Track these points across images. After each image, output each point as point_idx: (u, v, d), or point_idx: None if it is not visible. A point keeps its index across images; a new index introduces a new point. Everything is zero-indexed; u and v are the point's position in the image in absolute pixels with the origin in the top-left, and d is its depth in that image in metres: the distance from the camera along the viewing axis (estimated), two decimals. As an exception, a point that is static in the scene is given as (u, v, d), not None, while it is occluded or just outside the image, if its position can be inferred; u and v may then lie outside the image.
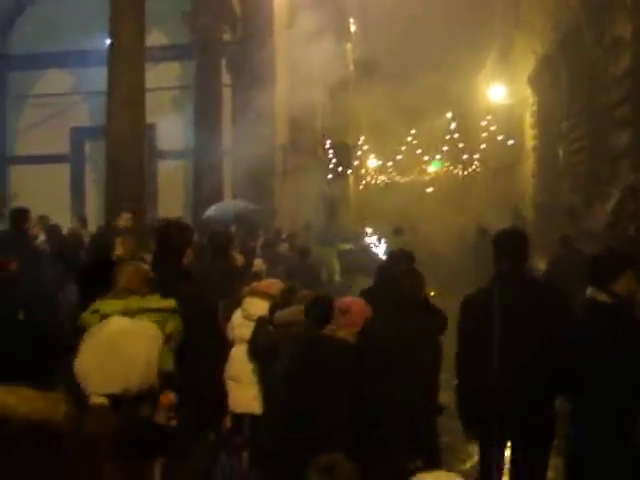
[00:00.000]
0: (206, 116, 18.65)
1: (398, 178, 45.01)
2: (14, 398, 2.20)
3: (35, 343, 2.40)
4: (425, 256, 11.91)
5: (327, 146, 26.06)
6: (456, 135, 31.83)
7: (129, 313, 3.63)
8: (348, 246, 16.20)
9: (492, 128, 28.78)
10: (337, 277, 12.87)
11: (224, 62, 21.73)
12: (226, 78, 22.01)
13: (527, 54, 21.76)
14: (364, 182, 41.11)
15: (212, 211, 15.53)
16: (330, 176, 26.03)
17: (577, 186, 15.21)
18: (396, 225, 15.93)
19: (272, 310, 5.38)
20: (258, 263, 9.77)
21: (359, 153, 30.76)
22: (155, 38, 23.26)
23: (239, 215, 15.14)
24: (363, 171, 41.91)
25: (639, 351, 3.83)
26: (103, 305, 3.88)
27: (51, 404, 2.24)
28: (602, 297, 3.91)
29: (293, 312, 5.08)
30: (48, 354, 2.41)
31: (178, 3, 19.52)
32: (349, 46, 39.47)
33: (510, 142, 25.88)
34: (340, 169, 26.54)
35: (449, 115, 37.49)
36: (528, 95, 22.69)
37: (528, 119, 23.31)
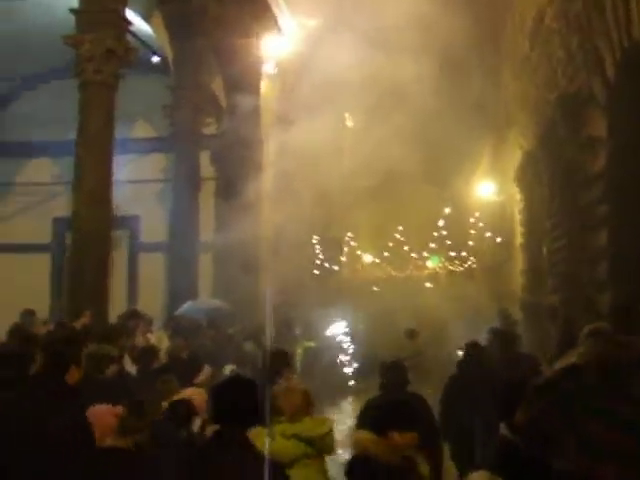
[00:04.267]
0: (183, 209, 18.35)
1: (394, 273, 44.46)
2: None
3: None
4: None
5: (314, 241, 25.76)
6: (444, 232, 31.47)
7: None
8: (311, 344, 15.90)
9: (480, 225, 28.50)
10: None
11: (209, 155, 21.75)
12: (210, 171, 21.98)
13: (516, 151, 21.60)
14: (359, 276, 40.56)
15: (184, 309, 15.09)
16: (317, 272, 25.64)
17: (557, 287, 14.73)
18: (408, 328, 15.77)
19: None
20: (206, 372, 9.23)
21: (346, 249, 30.38)
22: (141, 130, 23.36)
23: (210, 314, 14.69)
24: (359, 267, 41.57)
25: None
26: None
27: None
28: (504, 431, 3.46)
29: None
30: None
31: (163, 96, 19.54)
32: (347, 142, 39.73)
33: (498, 240, 25.55)
34: (327, 265, 26.17)
35: (447, 210, 37.33)
36: (516, 192, 22.42)
37: (517, 216, 22.98)
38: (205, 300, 16.75)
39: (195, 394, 5.71)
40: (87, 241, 12.10)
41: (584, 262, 12.91)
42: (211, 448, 3.62)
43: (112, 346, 9.11)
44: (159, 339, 13.57)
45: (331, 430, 4.54)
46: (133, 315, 12.48)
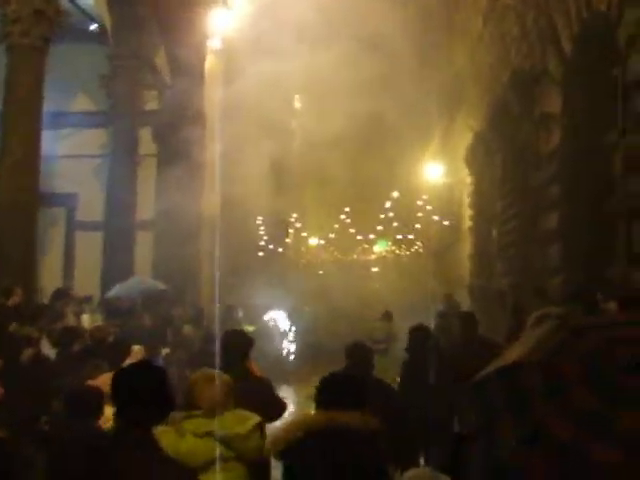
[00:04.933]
0: (121, 187, 17.49)
1: (340, 257, 44.06)
2: None
3: None
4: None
5: (258, 222, 25.12)
6: (391, 214, 31.05)
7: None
8: (252, 327, 15.37)
9: (428, 208, 28.09)
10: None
11: (150, 131, 20.96)
12: (152, 147, 21.18)
13: (466, 132, 21.17)
14: (304, 261, 40.10)
15: (115, 290, 14.32)
16: (261, 253, 25.02)
17: (508, 270, 14.35)
18: (386, 311, 15.31)
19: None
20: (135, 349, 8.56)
21: (291, 231, 29.80)
22: (80, 103, 22.42)
23: (146, 295, 13.97)
24: (303, 249, 41.08)
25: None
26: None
27: None
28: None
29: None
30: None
31: (103, 68, 18.66)
32: (294, 123, 39.06)
33: (445, 223, 25.19)
34: (272, 247, 25.56)
35: (395, 194, 36.93)
36: (466, 174, 22.02)
37: (466, 199, 22.60)
38: (141, 280, 15.94)
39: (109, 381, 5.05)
40: (9, 213, 11.25)
41: (535, 245, 12.51)
42: (108, 448, 2.97)
43: (33, 327, 8.47)
44: (92, 321, 12.85)
45: (256, 429, 3.76)
46: (60, 294, 11.70)
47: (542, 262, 11.88)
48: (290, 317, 21.22)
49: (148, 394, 2.92)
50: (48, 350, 7.94)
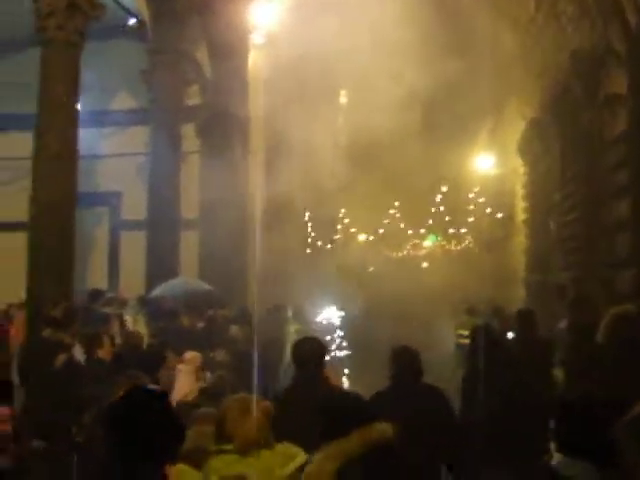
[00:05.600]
0: (164, 185, 17.01)
1: (390, 253, 43.34)
2: None
3: None
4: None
5: (306, 219, 24.51)
6: (442, 208, 30.23)
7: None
8: (301, 326, 14.80)
9: (480, 200, 27.21)
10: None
11: (193, 127, 20.56)
12: (196, 144, 20.80)
13: (518, 121, 20.34)
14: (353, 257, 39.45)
15: (158, 290, 13.83)
16: (309, 251, 24.43)
17: (569, 264, 13.54)
18: (470, 305, 14.70)
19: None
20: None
21: (339, 227, 29.14)
22: (122, 101, 22.09)
23: (189, 295, 13.45)
24: (354, 246, 40.39)
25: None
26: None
27: None
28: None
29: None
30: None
31: (141, 63, 18.24)
32: (340, 119, 38.40)
33: (499, 215, 24.32)
34: (320, 243, 24.97)
35: (444, 189, 36.08)
36: (519, 165, 21.16)
37: (519, 191, 21.74)
38: (186, 280, 15.42)
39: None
40: (47, 214, 10.81)
41: (600, 236, 11.71)
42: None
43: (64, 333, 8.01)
44: (135, 323, 12.40)
45: (300, 471, 2.99)
46: (96, 296, 11.22)
47: (608, 254, 11.09)
48: (343, 317, 20.64)
49: (151, 426, 2.31)
50: (81, 355, 7.47)
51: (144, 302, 13.21)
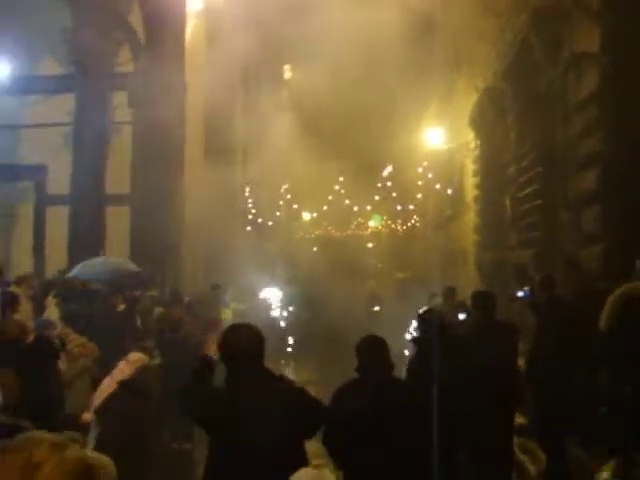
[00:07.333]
0: (88, 157, 15.63)
1: (334, 232, 42.32)
2: None
3: None
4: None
5: (246, 193, 23.28)
6: (389, 184, 29.22)
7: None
8: (240, 305, 13.95)
9: (429, 176, 26.24)
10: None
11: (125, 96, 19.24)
12: (127, 114, 19.48)
13: (469, 93, 19.35)
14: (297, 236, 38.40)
15: (78, 269, 12.53)
16: (249, 228, 23.23)
17: (527, 240, 12.60)
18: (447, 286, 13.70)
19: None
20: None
21: (281, 203, 27.98)
22: (48, 67, 20.60)
23: (112, 275, 12.21)
24: (297, 224, 39.28)
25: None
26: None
27: None
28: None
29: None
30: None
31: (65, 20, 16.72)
32: (284, 93, 37.24)
33: (449, 191, 23.40)
34: (260, 220, 23.79)
35: (389, 168, 35.09)
36: (470, 139, 20.20)
37: (469, 166, 20.81)
38: (106, 259, 14.10)
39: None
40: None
41: (562, 210, 10.78)
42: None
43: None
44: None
45: None
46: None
47: (573, 229, 10.15)
48: (284, 297, 19.72)
49: None
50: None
51: (51, 283, 11.94)
